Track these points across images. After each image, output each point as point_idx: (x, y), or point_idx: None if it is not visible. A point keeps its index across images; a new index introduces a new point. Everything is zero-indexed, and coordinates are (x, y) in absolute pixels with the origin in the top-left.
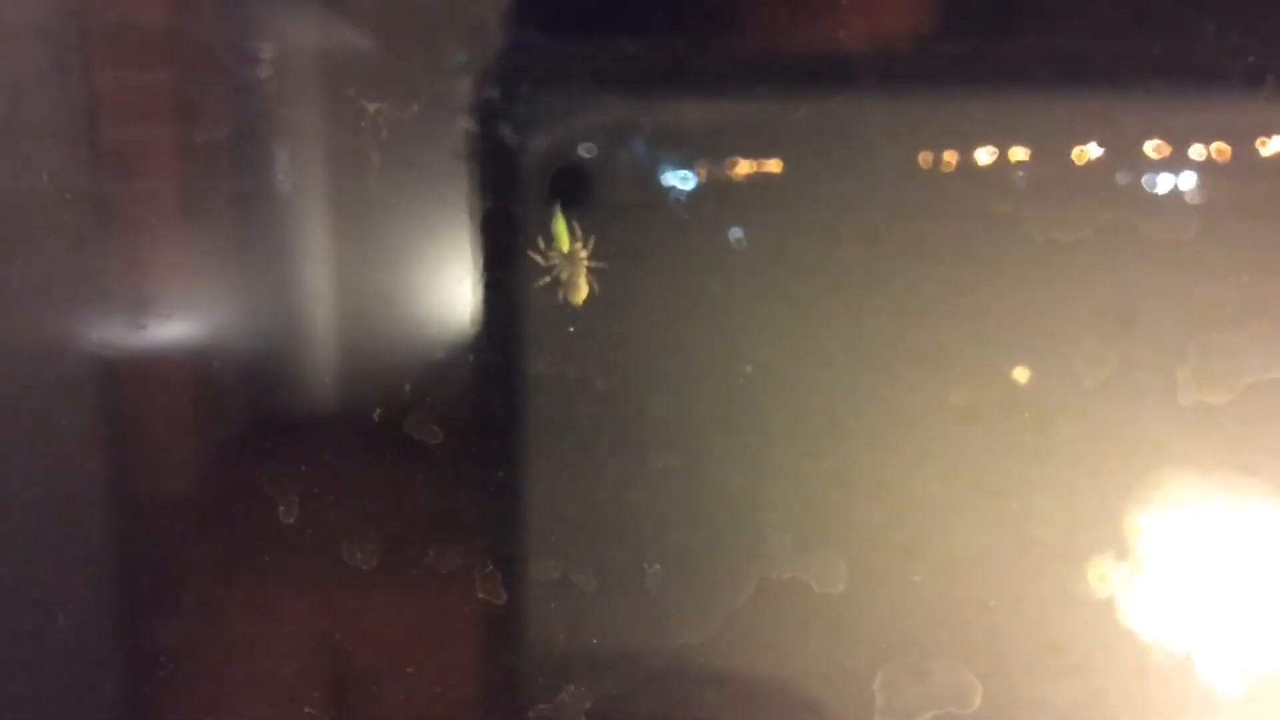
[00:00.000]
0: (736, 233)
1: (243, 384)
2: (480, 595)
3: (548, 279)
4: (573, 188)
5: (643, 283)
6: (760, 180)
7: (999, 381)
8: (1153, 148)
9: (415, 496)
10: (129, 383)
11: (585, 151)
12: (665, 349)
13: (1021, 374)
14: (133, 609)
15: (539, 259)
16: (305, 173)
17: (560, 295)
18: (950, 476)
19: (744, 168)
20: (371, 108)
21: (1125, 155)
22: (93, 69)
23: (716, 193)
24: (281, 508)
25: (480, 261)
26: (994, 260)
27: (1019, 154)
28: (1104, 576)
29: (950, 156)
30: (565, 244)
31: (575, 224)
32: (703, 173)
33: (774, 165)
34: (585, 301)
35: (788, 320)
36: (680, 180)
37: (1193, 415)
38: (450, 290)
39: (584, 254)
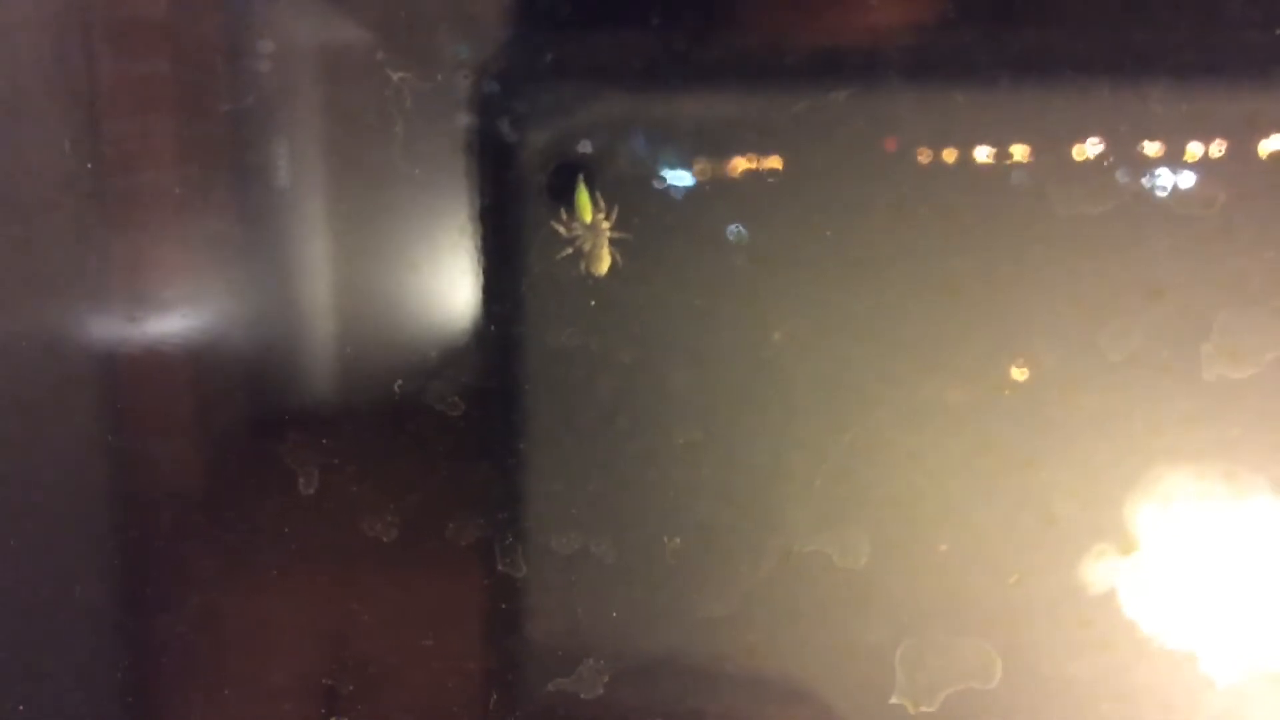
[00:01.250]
0: (736, 229)
1: (264, 356)
2: (500, 568)
3: (570, 250)
4: (575, 178)
5: (665, 256)
6: (760, 175)
7: (1024, 357)
8: (1158, 148)
9: (436, 468)
10: (149, 357)
11: (583, 148)
12: (688, 322)
13: (1046, 349)
14: (151, 583)
15: (561, 230)
16: (323, 152)
17: (583, 267)
18: (974, 451)
19: (743, 163)
20: (371, 102)
21: (1130, 152)
22: (94, 60)
23: (715, 188)
24: (301, 479)
25: (502, 234)
26: (1018, 237)
27: (1021, 151)
28: (1127, 552)
29: (949, 152)
30: (588, 215)
31: (598, 194)
32: (702, 168)
33: (774, 161)
34: (608, 273)
35: (811, 294)
36: (679, 175)
37: (1217, 390)
38: (472, 262)
39: (607, 225)
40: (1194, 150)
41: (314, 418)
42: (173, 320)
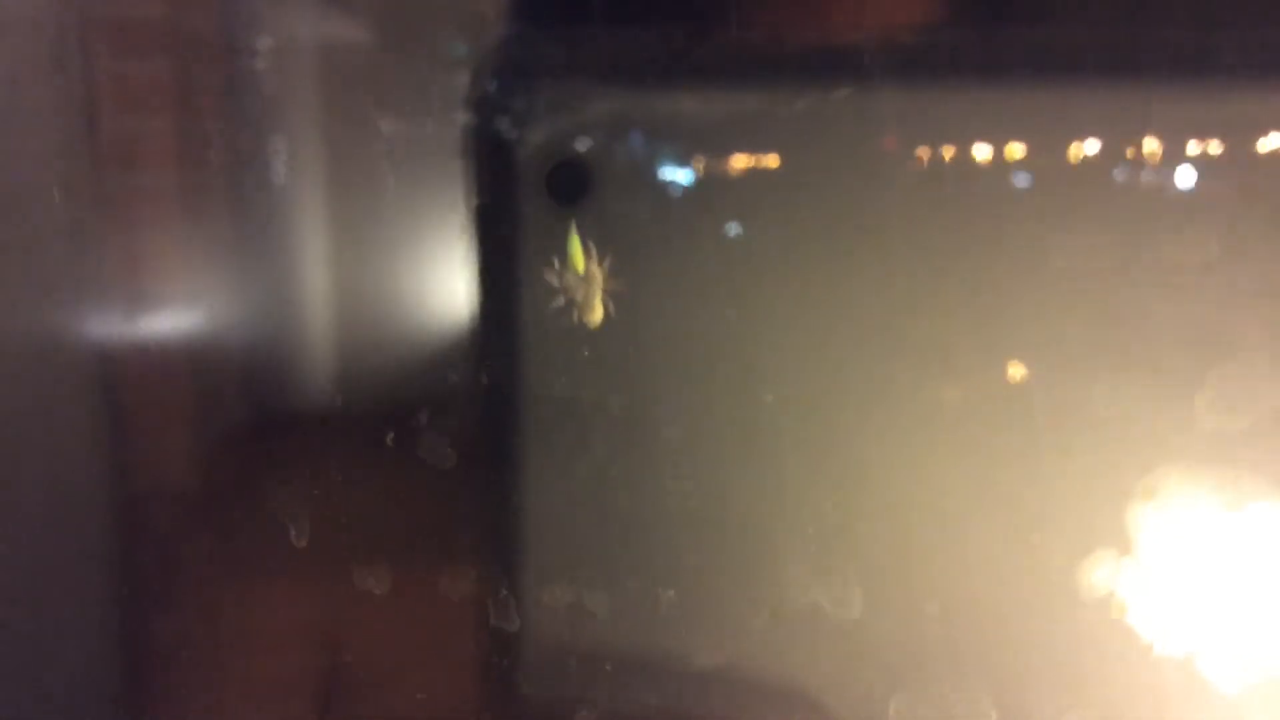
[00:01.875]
0: (735, 228)
1: (252, 406)
2: (493, 621)
3: (563, 300)
4: (571, 183)
5: (658, 305)
6: (758, 174)
7: (1017, 404)
8: (1155, 146)
9: (428, 520)
10: (128, 385)
11: (583, 146)
12: (681, 372)
13: (1038, 389)
14: (139, 631)
15: (554, 280)
16: (308, 172)
17: (575, 316)
18: (968, 500)
19: (742, 162)
20: (370, 101)
21: (1129, 150)
22: (91, 59)
23: (715, 187)
24: (293, 531)
25: (494, 284)
26: (1009, 270)
27: (1019, 149)
28: (1125, 601)
29: (948, 150)
30: (580, 265)
31: (590, 244)
32: (701, 167)
33: (772, 160)
34: (601, 323)
35: (806, 344)
36: (678, 174)
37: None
38: (464, 313)
39: (600, 274)
40: (1195, 148)
41: (305, 469)
42: (154, 347)
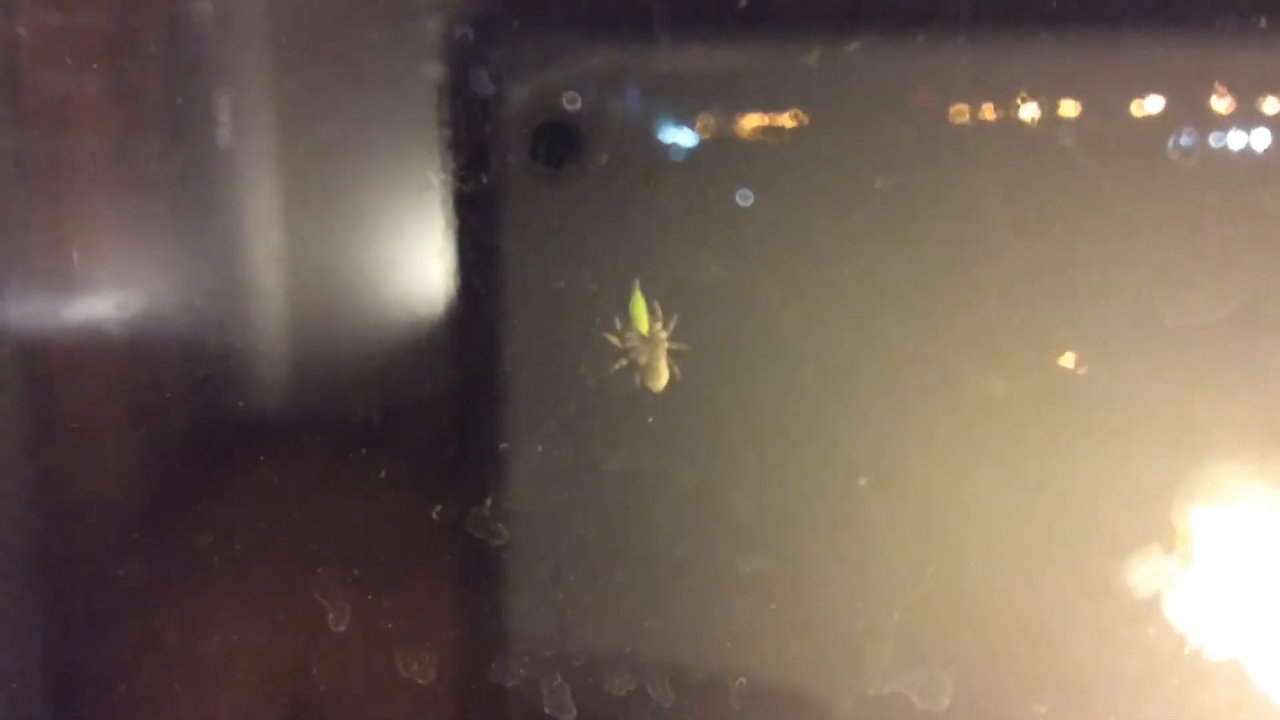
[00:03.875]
0: (745, 195)
1: (197, 405)
2: (547, 711)
3: (624, 362)
4: (558, 145)
5: (727, 366)
6: (770, 134)
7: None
8: (1227, 104)
9: (477, 602)
10: (57, 381)
11: (570, 103)
12: (751, 441)
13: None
14: (71, 655)
15: (616, 342)
16: (259, 134)
17: (638, 381)
18: (1067, 584)
19: (752, 121)
20: (331, 53)
21: (1194, 109)
22: (12, 11)
23: (720, 151)
24: (331, 615)
25: (551, 346)
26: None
27: (1067, 108)
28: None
29: (987, 109)
30: (644, 325)
31: (655, 304)
32: (705, 127)
33: (786, 119)
34: (666, 388)
35: (894, 420)
36: (679, 136)
37: None
38: (518, 377)
39: (664, 335)
40: (1269, 108)
41: (344, 547)
42: (99, 314)
